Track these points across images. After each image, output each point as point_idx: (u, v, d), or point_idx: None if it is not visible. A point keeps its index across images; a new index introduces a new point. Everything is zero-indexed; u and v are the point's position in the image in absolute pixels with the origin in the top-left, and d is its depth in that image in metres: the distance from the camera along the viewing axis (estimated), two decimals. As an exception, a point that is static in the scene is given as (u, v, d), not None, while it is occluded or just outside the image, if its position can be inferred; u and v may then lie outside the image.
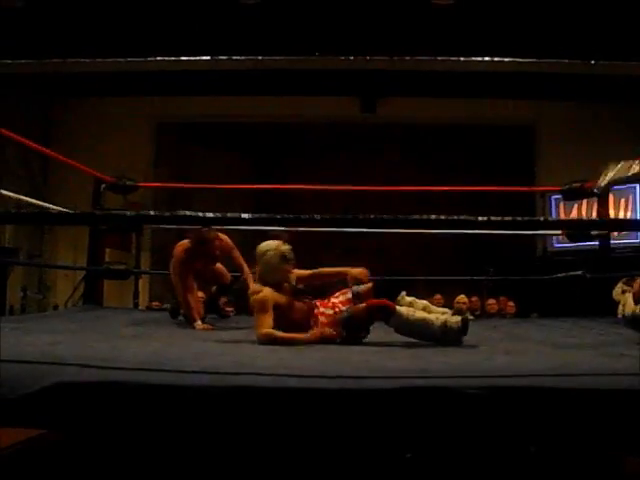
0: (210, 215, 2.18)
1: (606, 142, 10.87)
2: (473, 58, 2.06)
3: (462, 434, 1.68)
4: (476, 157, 12.42)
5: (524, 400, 1.72)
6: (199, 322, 4.36)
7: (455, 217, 3.73)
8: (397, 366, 2.35)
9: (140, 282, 7.28)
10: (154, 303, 9.38)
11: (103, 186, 5.96)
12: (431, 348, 3.32)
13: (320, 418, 1.69)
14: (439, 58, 2.04)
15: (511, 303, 9.20)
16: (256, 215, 2.14)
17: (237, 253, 4.74)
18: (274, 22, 8.63)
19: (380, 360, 2.66)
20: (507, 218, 2.40)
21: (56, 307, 10.23)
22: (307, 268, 3.96)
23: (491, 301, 9.09)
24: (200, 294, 5.11)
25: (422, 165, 11.99)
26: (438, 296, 8.67)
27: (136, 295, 6.87)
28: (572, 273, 4.57)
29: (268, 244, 3.63)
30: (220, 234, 4.60)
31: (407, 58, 2.05)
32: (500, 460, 2.04)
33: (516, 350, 3.24)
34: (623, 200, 10.56)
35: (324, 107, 11.90)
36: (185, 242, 4.58)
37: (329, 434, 1.70)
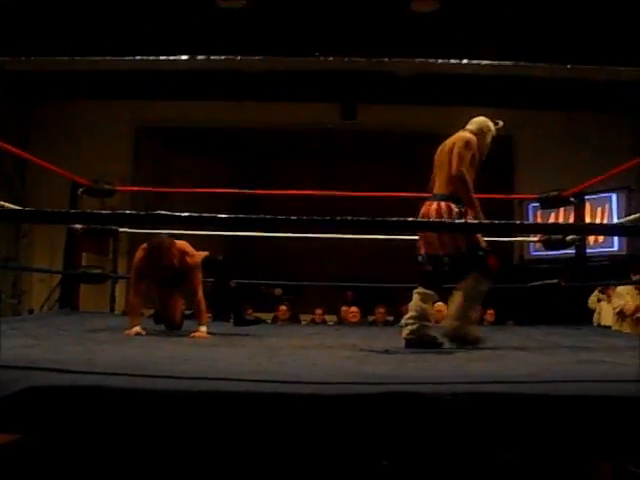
0: (185, 215, 2.16)
1: (584, 151, 10.98)
2: (452, 61, 2.05)
3: (438, 440, 1.68)
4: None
5: (500, 406, 1.71)
6: (136, 328, 4.19)
7: (430, 220, 3.74)
8: (373, 371, 2.34)
9: (118, 287, 7.23)
10: (127, 308, 9.30)
11: (80, 190, 5.92)
12: (407, 354, 3.32)
13: (293, 424, 1.67)
14: (417, 60, 2.04)
15: (490, 311, 9.22)
16: (232, 216, 2.12)
17: (197, 275, 4.43)
18: (256, 26, 8.63)
19: (355, 365, 2.66)
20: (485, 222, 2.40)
21: (31, 311, 10.13)
22: (284, 271, 3.96)
23: (468, 308, 9.08)
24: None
25: (403, 172, 12.00)
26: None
27: (113, 300, 6.82)
28: (548, 281, 4.59)
29: None
30: (188, 249, 4.48)
31: (385, 60, 2.04)
32: (477, 467, 2.03)
33: (494, 357, 3.25)
34: (599, 209, 10.66)
35: (305, 113, 11.90)
36: (145, 245, 4.47)
37: (302, 440, 1.69)
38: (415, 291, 3.99)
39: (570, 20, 8.93)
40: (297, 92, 10.74)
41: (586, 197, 9.22)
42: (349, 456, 1.67)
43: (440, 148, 4.14)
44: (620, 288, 7.34)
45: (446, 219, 3.79)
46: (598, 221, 10.36)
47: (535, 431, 1.70)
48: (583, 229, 5.65)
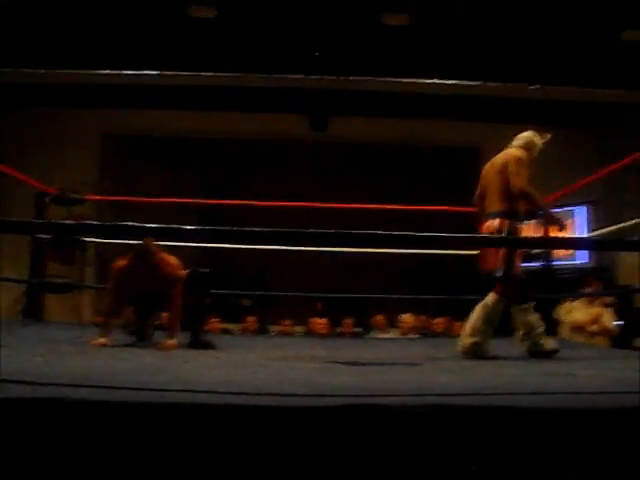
0: (151, 226, 2.14)
1: (550, 166, 11.08)
2: (422, 80, 2.07)
3: (404, 453, 1.66)
4: (425, 177, 12.55)
5: (466, 418, 1.70)
6: (103, 339, 4.14)
7: (396, 233, 3.75)
8: (339, 383, 2.33)
9: (86, 297, 7.15)
10: (98, 318, 9.18)
11: (48, 198, 5.86)
12: (374, 365, 3.32)
13: (259, 436, 1.65)
14: (389, 79, 2.03)
15: (458, 323, 9.24)
16: (198, 227, 2.09)
17: (178, 287, 4.34)
18: (227, 37, 8.60)
19: (321, 377, 2.64)
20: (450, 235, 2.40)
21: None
22: (253, 282, 3.95)
23: (438, 320, 9.13)
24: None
25: (372, 184, 12.03)
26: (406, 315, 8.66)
27: (79, 310, 6.75)
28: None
29: None
30: (172, 260, 4.44)
31: (354, 78, 2.04)
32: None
33: (461, 368, 3.25)
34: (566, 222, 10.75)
35: (274, 124, 11.88)
36: (123, 260, 4.43)
37: (268, 451, 1.66)
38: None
39: (536, 40, 9.07)
40: (266, 103, 10.73)
41: (552, 210, 9.34)
42: (315, 468, 1.65)
43: (487, 167, 4.27)
44: (575, 302, 7.44)
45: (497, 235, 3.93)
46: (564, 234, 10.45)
47: (501, 443, 1.70)
48: (554, 243, 5.70)
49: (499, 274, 3.90)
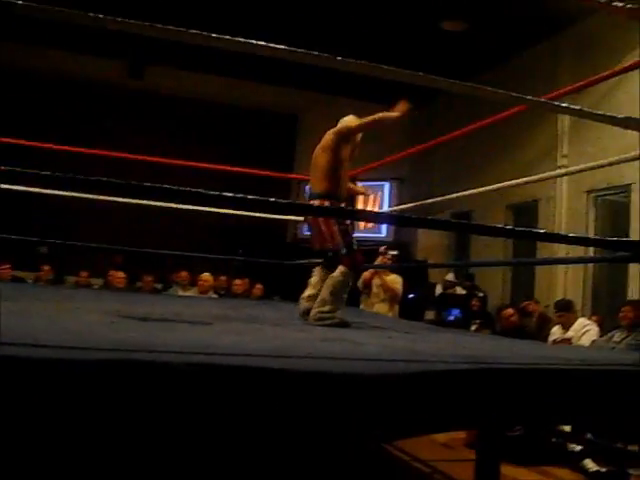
0: None
1: (364, 140, 11.39)
2: (244, 39, 2.03)
3: (163, 411, 1.62)
4: (240, 138, 12.52)
5: (234, 378, 1.69)
6: None
7: (200, 190, 3.68)
8: (116, 337, 2.25)
9: None
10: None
11: None
12: (161, 322, 3.24)
13: (27, 390, 1.53)
14: (213, 35, 1.98)
15: (258, 285, 9.35)
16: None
17: None
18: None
19: (100, 330, 2.54)
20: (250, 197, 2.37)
21: None
22: (55, 230, 3.73)
23: (238, 282, 9.19)
24: None
25: (185, 139, 11.84)
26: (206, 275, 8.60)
27: None
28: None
29: None
30: None
31: (174, 28, 1.97)
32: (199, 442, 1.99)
33: (250, 330, 3.25)
34: (372, 196, 11.13)
35: (90, 66, 11.40)
36: None
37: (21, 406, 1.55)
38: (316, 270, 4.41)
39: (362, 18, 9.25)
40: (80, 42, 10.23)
41: (360, 184, 9.63)
42: (64, 423, 1.56)
43: (315, 150, 4.34)
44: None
45: (321, 219, 4.11)
46: (369, 208, 10.82)
47: (268, 405, 1.70)
48: (354, 214, 5.85)
49: (343, 251, 4.10)
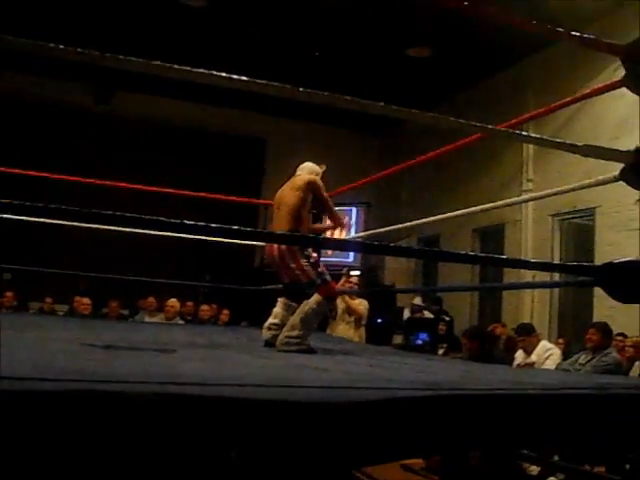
0: None
1: (333, 164, 11.41)
2: (210, 72, 2.03)
3: (119, 441, 1.59)
4: (208, 164, 12.50)
5: (191, 408, 1.67)
6: None
7: (161, 219, 3.66)
8: (73, 367, 2.22)
9: None
10: None
11: None
12: (125, 350, 3.20)
13: None
14: (175, 66, 1.98)
15: (226, 311, 9.30)
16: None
17: None
18: None
19: (58, 360, 2.50)
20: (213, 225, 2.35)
21: None
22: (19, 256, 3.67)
23: (205, 307, 9.13)
24: None
25: (152, 164, 11.77)
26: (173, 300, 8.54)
27: None
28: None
29: None
30: None
31: (142, 61, 1.96)
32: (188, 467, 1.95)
33: (212, 358, 3.23)
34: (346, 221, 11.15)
35: (56, 90, 11.35)
36: None
37: None
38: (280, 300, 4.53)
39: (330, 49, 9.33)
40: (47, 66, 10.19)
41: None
42: (24, 455, 1.53)
43: (279, 193, 4.51)
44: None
45: (287, 255, 4.18)
46: (337, 233, 10.82)
47: (218, 432, 1.67)
48: (319, 243, 5.88)
49: (318, 281, 4.16)
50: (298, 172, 4.61)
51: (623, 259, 2.24)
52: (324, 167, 4.73)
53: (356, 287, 8.10)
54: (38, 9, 8.75)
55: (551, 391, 2.38)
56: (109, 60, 2.10)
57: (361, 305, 8.01)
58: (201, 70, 2.27)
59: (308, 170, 4.59)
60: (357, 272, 8.01)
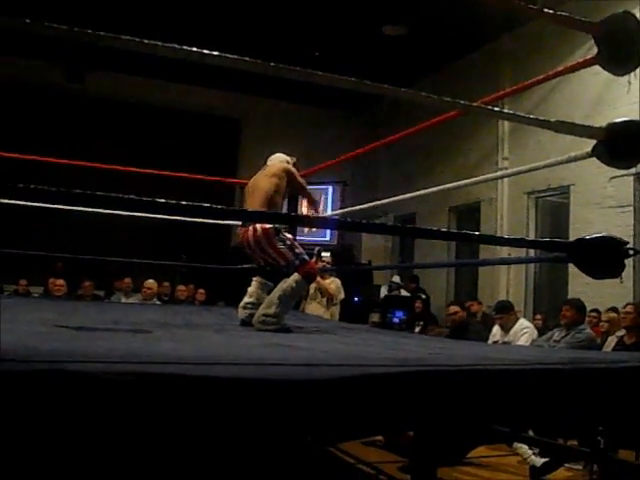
0: None
1: (308, 143, 11.40)
2: (186, 47, 2.00)
3: (97, 422, 1.59)
4: (183, 144, 12.41)
5: (169, 387, 1.66)
6: None
7: (134, 197, 3.64)
8: (47, 348, 2.20)
9: None
10: None
11: None
12: (98, 331, 3.19)
13: None
14: (151, 42, 1.94)
15: (201, 290, 9.29)
16: None
17: None
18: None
19: (32, 341, 2.49)
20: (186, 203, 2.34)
21: None
22: None
23: (182, 287, 9.12)
24: None
25: (127, 144, 11.67)
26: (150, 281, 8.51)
27: None
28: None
29: None
30: None
31: (119, 37, 1.92)
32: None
33: (191, 338, 3.23)
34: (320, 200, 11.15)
35: (27, 69, 11.19)
36: None
37: None
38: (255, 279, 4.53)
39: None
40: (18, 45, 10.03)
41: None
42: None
43: (251, 181, 4.53)
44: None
45: (263, 240, 4.17)
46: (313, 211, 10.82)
47: (199, 413, 1.68)
48: (295, 220, 5.94)
49: (296, 262, 4.16)
50: (269, 162, 4.65)
51: (594, 235, 2.26)
52: (294, 159, 4.78)
53: (328, 267, 8.12)
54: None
55: (522, 366, 2.40)
56: (83, 35, 2.06)
57: (332, 284, 8.03)
58: (175, 45, 2.22)
59: (279, 160, 4.64)
60: (327, 254, 8.02)
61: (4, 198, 4.69)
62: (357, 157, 9.03)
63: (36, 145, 8.57)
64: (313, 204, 4.87)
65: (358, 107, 13.31)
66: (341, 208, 10.65)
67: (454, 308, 7.68)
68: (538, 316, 8.11)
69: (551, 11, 2.68)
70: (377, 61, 10.70)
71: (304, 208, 10.40)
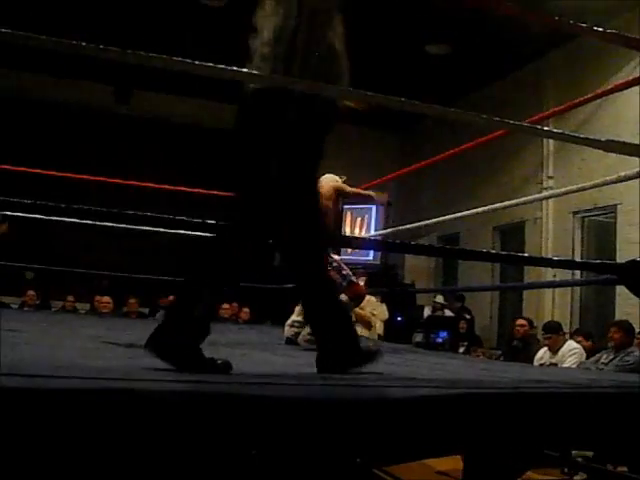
0: None
1: (356, 161, 11.39)
2: (221, 66, 2.03)
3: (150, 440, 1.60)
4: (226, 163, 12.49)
5: (230, 406, 1.67)
6: None
7: (184, 218, 3.68)
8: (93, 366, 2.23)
9: None
10: None
11: None
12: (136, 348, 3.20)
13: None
14: (196, 62, 1.98)
15: (246, 309, 9.32)
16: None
17: None
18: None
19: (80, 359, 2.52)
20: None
21: None
22: (40, 255, 3.71)
23: (225, 306, 9.15)
24: None
25: (171, 164, 11.79)
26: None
27: None
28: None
29: None
30: None
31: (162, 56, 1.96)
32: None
33: (232, 355, 3.23)
34: (359, 219, 11.12)
35: (77, 90, 11.41)
36: None
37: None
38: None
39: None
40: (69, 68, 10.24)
41: (347, 207, 9.64)
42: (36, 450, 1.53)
43: None
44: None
45: None
46: (357, 231, 10.82)
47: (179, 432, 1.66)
48: (341, 241, 5.91)
49: (344, 284, 4.27)
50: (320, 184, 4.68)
51: (646, 256, 2.22)
52: (344, 177, 4.81)
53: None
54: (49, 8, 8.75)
55: (571, 389, 2.36)
56: (131, 57, 2.09)
57: (375, 309, 7.80)
58: (211, 64, 2.22)
59: (327, 181, 4.64)
60: (364, 277, 7.95)
61: (54, 216, 4.78)
62: (400, 176, 9.02)
63: (83, 166, 8.73)
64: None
65: (401, 126, 13.30)
66: (384, 228, 10.62)
67: (522, 321, 7.89)
68: (580, 337, 7.93)
69: (600, 29, 2.66)
70: (420, 80, 10.68)
71: (347, 227, 10.40)
